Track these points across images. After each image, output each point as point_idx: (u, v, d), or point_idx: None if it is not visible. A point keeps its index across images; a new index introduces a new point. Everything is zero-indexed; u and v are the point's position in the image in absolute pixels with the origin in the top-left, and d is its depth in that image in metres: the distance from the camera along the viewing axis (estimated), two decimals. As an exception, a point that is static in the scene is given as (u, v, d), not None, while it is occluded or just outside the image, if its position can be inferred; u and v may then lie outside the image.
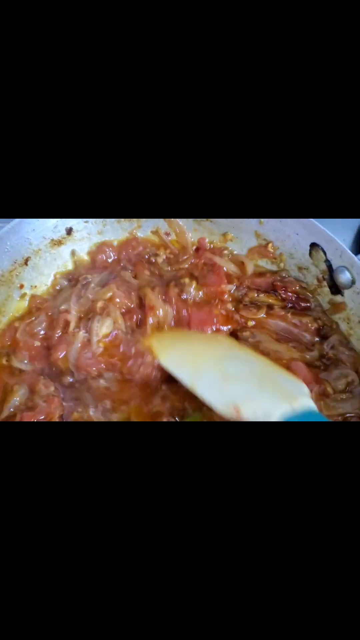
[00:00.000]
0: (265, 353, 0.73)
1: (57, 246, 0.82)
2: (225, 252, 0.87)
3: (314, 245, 0.79)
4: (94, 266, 0.85)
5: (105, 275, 0.80)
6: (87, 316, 0.74)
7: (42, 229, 0.79)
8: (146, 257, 0.86)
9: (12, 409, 0.69)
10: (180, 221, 0.88)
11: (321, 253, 0.78)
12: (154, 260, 0.86)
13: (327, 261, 0.77)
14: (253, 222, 0.84)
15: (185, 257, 0.86)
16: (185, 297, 0.78)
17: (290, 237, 0.81)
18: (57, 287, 0.83)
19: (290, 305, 0.80)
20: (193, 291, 0.79)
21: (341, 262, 0.74)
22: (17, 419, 0.67)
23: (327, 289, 0.79)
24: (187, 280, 0.80)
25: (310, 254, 0.80)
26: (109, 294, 0.76)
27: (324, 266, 0.78)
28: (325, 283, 0.79)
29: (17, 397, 0.70)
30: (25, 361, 0.74)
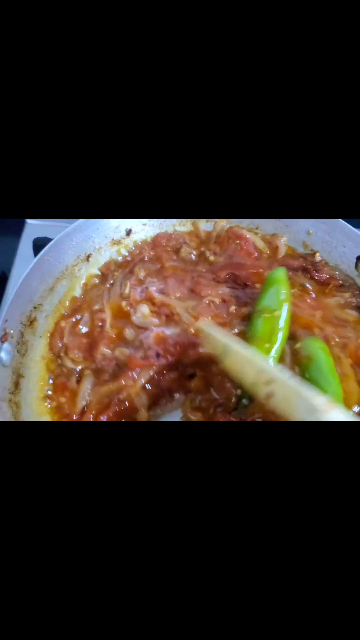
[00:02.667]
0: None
1: (117, 245, 0.89)
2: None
3: (360, 258, 0.83)
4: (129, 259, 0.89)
5: (124, 273, 0.85)
6: (121, 314, 0.79)
7: (105, 229, 0.85)
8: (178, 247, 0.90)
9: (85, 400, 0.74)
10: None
11: (367, 265, 0.81)
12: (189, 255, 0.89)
13: (372, 273, 0.81)
14: (302, 232, 0.88)
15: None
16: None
17: (337, 248, 0.85)
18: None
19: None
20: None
21: (386, 275, 0.78)
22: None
23: (370, 300, 0.82)
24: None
25: (356, 265, 0.83)
26: (126, 292, 0.81)
27: (369, 277, 0.81)
28: (369, 294, 0.82)
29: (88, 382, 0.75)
30: (78, 356, 0.78)
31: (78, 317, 0.82)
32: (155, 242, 0.91)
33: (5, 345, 0.73)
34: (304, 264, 0.84)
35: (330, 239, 0.85)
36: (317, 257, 0.87)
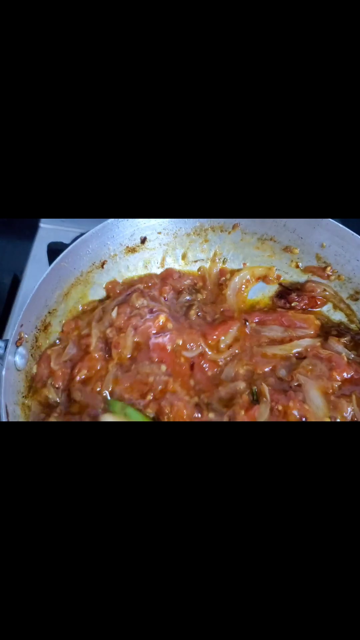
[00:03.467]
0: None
1: (131, 253, 0.89)
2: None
3: (373, 272, 0.83)
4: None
5: (118, 301, 0.84)
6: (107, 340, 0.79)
7: (120, 236, 0.86)
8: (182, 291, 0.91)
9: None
10: (243, 242, 0.93)
11: (379, 279, 0.82)
12: (189, 298, 0.90)
13: (385, 287, 0.81)
14: (315, 245, 0.88)
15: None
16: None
17: (350, 262, 0.85)
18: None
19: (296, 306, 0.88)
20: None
21: None
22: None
23: (382, 314, 0.83)
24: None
25: (368, 279, 0.84)
26: (114, 317, 0.81)
27: (381, 292, 0.82)
28: (380, 308, 0.83)
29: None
30: (58, 385, 0.78)
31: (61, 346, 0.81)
32: (164, 276, 0.92)
33: (20, 349, 0.74)
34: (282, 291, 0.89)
35: (343, 252, 0.86)
36: (328, 271, 0.88)
